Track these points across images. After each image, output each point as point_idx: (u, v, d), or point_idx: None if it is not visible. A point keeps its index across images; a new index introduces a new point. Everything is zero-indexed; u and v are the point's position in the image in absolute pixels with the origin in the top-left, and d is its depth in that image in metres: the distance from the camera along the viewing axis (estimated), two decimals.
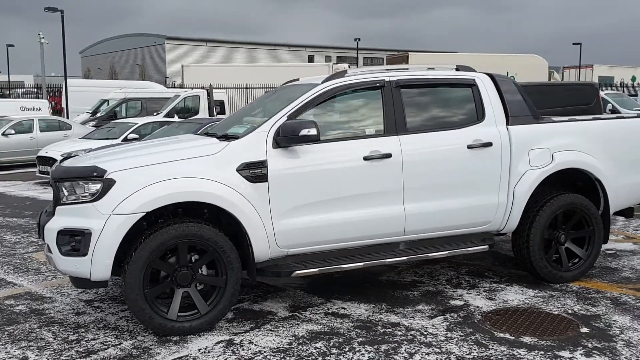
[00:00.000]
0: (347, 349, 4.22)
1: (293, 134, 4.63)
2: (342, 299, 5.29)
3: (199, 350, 4.22)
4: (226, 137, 4.89)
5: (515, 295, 5.33)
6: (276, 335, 4.49)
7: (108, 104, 23.73)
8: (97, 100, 24.77)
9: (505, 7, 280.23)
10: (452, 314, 4.88)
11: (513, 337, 4.39)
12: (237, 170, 4.58)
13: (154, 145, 5.24)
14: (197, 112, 20.61)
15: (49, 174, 9.36)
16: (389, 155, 4.96)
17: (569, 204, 5.58)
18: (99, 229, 4.25)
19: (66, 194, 4.44)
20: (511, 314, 4.90)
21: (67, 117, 24.26)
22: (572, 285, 5.58)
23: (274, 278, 5.20)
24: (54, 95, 35.35)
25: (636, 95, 26.88)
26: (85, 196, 4.36)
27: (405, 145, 5.04)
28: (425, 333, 4.49)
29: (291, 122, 4.70)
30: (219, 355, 4.14)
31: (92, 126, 19.15)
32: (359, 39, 51.29)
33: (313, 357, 4.09)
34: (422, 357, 4.07)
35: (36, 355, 4.17)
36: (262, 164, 4.64)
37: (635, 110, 20.88)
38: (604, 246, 7.01)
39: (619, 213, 6.28)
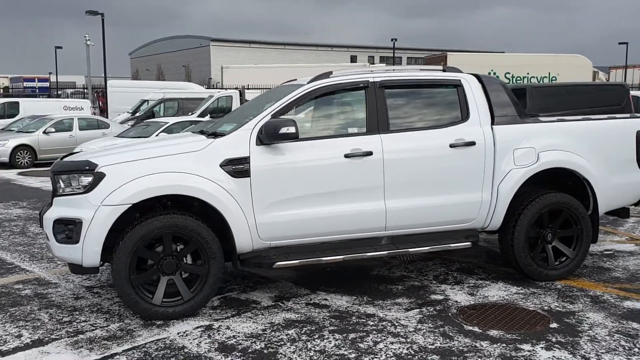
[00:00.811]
0: (316, 336, 4.44)
1: (274, 131, 4.87)
2: (328, 290, 5.50)
3: (178, 333, 4.51)
4: (215, 135, 5.17)
5: (497, 292, 5.43)
6: (253, 322, 4.74)
7: (147, 104, 24.53)
8: (137, 100, 25.63)
9: (558, 6, 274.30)
10: (428, 308, 5.04)
11: (480, 331, 4.52)
12: (221, 165, 4.84)
13: (149, 142, 5.57)
14: (230, 112, 21.09)
15: None
16: (369, 153, 5.15)
17: (555, 203, 5.65)
18: (89, 218, 4.59)
19: (62, 186, 4.79)
20: (487, 309, 5.01)
21: (108, 117, 25.14)
22: (557, 283, 5.64)
23: (256, 268, 5.46)
24: (101, 96, 36.62)
25: None
26: (78, 188, 4.71)
27: (387, 144, 5.21)
28: (397, 324, 4.66)
29: (273, 120, 4.94)
30: (195, 338, 4.42)
31: (130, 125, 19.84)
32: (396, 39, 51.33)
33: (282, 343, 4.32)
34: (385, 346, 4.25)
35: (30, 334, 4.53)
36: (245, 160, 4.89)
37: None
38: (603, 247, 7.04)
39: (613, 213, 6.29)
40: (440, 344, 4.28)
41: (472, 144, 5.41)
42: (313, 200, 5.05)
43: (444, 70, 5.73)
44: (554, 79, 35.45)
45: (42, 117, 19.43)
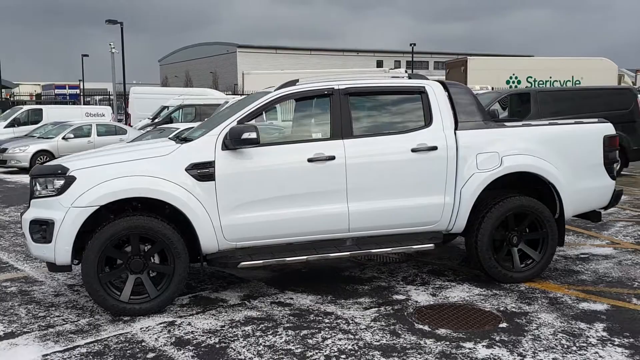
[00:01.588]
0: (270, 332, 4.65)
1: (237, 137, 5.11)
2: (295, 290, 5.71)
3: (141, 328, 4.77)
4: (185, 140, 5.44)
5: (459, 293, 5.57)
6: (215, 319, 4.97)
7: (167, 110, 25.04)
8: (158, 107, 26.17)
9: (589, 7, 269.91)
10: (387, 307, 5.21)
11: (429, 329, 4.68)
12: (186, 169, 5.10)
13: (123, 146, 5.87)
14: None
15: None
16: (332, 158, 5.35)
17: (519, 206, 5.76)
18: (60, 219, 4.89)
19: (39, 188, 5.11)
20: (444, 309, 5.16)
21: (128, 123, 25.74)
22: (521, 285, 5.75)
23: (222, 268, 5.71)
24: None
25: None
26: (52, 191, 5.02)
27: (349, 149, 5.41)
28: (350, 322, 4.84)
29: (237, 126, 5.19)
30: (155, 333, 4.67)
31: (146, 131, 20.33)
32: (414, 44, 51.45)
33: (235, 338, 4.55)
34: (332, 342, 4.45)
35: (5, 327, 4.85)
36: (210, 165, 5.14)
37: None
38: (581, 250, 7.11)
39: (584, 217, 6.37)
40: (386, 341, 4.46)
41: (434, 148, 5.57)
42: (277, 203, 5.27)
43: (409, 78, 5.91)
44: (577, 82, 35.05)
45: (63, 124, 20.07)
